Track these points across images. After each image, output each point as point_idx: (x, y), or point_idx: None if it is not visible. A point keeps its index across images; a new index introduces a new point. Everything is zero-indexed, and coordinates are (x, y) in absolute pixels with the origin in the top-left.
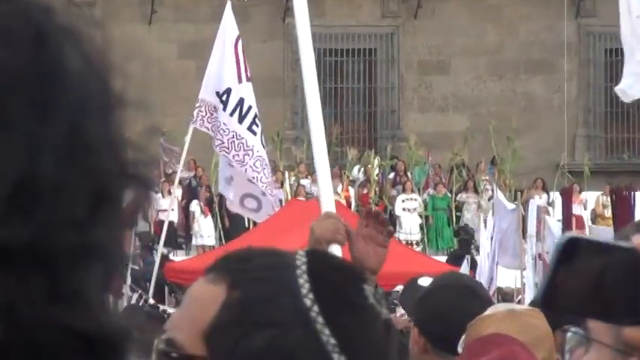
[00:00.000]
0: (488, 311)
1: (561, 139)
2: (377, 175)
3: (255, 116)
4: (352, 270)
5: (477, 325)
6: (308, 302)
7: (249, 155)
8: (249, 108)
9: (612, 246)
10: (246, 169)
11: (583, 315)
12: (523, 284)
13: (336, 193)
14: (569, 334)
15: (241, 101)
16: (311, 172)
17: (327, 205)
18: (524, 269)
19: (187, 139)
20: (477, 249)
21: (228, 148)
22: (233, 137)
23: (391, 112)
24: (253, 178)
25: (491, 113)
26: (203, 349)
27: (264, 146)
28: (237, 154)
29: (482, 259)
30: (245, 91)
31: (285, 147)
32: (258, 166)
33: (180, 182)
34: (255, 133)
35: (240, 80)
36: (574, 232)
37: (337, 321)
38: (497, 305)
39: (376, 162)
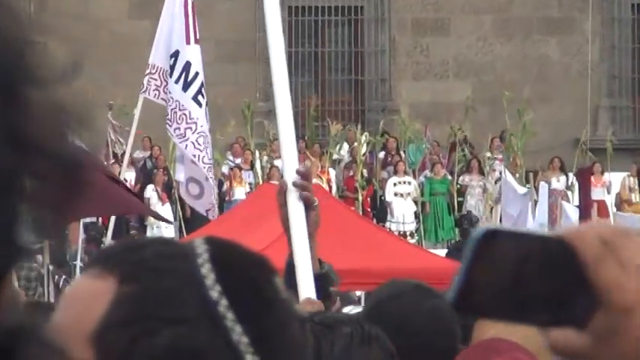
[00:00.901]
0: None
1: (581, 111)
2: (364, 154)
3: (202, 85)
4: (261, 260)
5: (482, 326)
6: (215, 295)
7: (191, 129)
8: (196, 75)
9: (535, 236)
10: (186, 145)
11: (498, 317)
12: None
13: (318, 176)
14: None
15: (187, 66)
16: None
17: (292, 195)
18: None
19: (137, 111)
20: None
21: (170, 120)
22: (176, 107)
23: (381, 81)
24: (195, 156)
25: (498, 81)
26: (90, 354)
27: (208, 121)
28: (179, 127)
29: None
30: (192, 55)
31: (257, 121)
32: (201, 144)
33: (131, 164)
34: (200, 105)
35: (188, 41)
36: (497, 224)
37: (250, 317)
38: None
39: (363, 139)
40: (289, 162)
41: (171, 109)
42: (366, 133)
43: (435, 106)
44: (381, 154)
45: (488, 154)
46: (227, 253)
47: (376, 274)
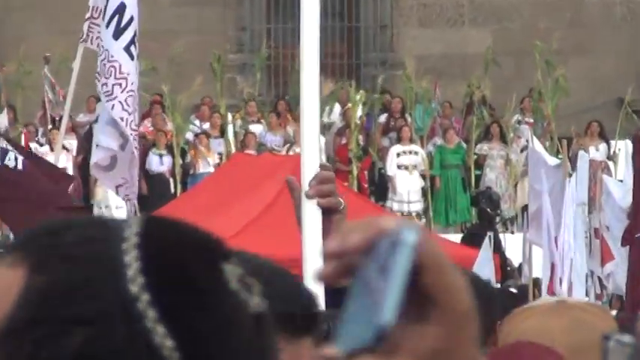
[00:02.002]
0: (533, 302)
1: (625, 65)
2: (361, 117)
3: (135, 34)
4: (207, 242)
5: (513, 320)
6: (135, 289)
7: (120, 86)
8: (131, 20)
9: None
10: (113, 106)
11: None
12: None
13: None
14: (612, 344)
15: (121, 8)
16: (266, 113)
17: (310, 163)
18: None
19: (76, 65)
20: (505, 223)
21: (99, 74)
22: (105, 58)
23: (380, 28)
24: (122, 119)
25: (524, 27)
26: None
27: (137, 78)
28: (106, 83)
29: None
30: None
31: (228, 78)
32: (129, 105)
33: (73, 129)
34: (132, 57)
35: None
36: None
37: (177, 315)
38: (545, 297)
39: (359, 98)
40: (310, 153)
41: (101, 60)
42: (362, 92)
43: (447, 59)
44: (382, 118)
45: (518, 117)
46: (162, 236)
47: None
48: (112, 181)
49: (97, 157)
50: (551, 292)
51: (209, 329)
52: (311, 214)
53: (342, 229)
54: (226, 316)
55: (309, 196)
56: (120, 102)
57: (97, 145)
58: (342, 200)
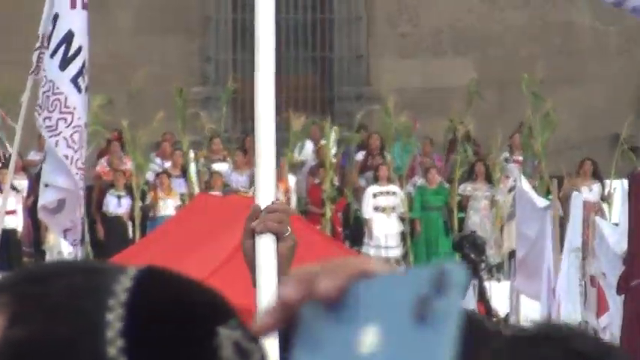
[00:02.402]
0: None
1: (622, 97)
2: (335, 155)
3: (84, 64)
4: (205, 304)
5: None
6: (113, 351)
7: (65, 121)
8: (79, 49)
9: None
10: (57, 142)
11: None
12: None
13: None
14: None
15: (69, 36)
16: (232, 150)
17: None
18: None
19: (25, 98)
20: (490, 270)
21: (40, 106)
22: (49, 89)
23: (356, 58)
24: (66, 157)
25: (509, 57)
26: None
27: (86, 113)
28: (50, 117)
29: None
30: (77, 22)
31: (191, 113)
32: (75, 141)
33: (23, 169)
34: (79, 90)
35: (73, 5)
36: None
37: None
38: None
39: (333, 135)
40: (265, 183)
41: (44, 92)
42: (336, 128)
43: (427, 92)
44: (358, 156)
45: (506, 155)
46: (155, 295)
47: None
48: (59, 226)
49: (45, 198)
50: None
51: None
52: (265, 252)
53: (301, 273)
54: None
55: (257, 231)
56: (65, 138)
57: (45, 185)
58: (288, 228)
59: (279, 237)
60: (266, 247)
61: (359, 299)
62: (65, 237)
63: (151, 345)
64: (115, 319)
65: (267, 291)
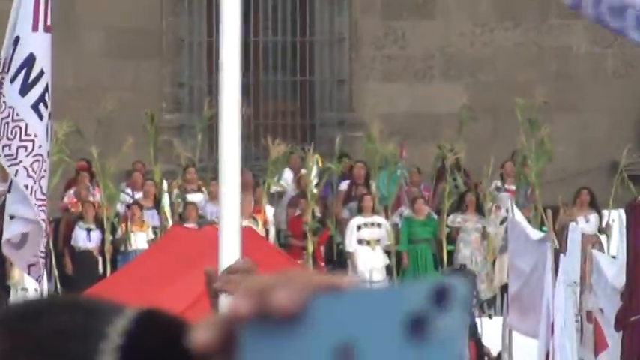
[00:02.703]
0: None
1: (621, 123)
2: (317, 185)
3: (47, 89)
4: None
5: None
6: None
7: (25, 149)
8: (41, 74)
9: None
10: (17, 172)
11: None
12: None
13: (250, 217)
14: None
15: (30, 60)
16: (207, 181)
17: (230, 236)
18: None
19: None
20: (482, 305)
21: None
22: (8, 116)
23: (338, 83)
24: (26, 187)
25: (501, 80)
26: None
27: (49, 141)
28: (9, 145)
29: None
30: (39, 45)
31: (164, 140)
32: (36, 171)
33: None
34: (41, 117)
35: (35, 27)
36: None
37: None
38: None
39: (315, 164)
40: (230, 208)
41: (3, 119)
42: (317, 157)
43: (415, 118)
44: (342, 186)
45: (498, 184)
46: (154, 338)
47: None
48: (23, 260)
49: (11, 231)
50: None
51: None
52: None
53: (253, 284)
54: None
55: (217, 290)
56: (25, 167)
57: (11, 217)
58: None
59: None
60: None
61: (325, 314)
62: (29, 272)
63: None
64: None
65: None
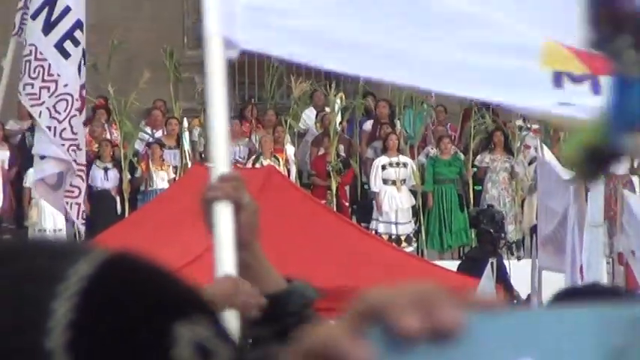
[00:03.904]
0: None
1: None
2: (340, 123)
3: (78, 26)
4: (166, 297)
5: None
6: (51, 344)
7: (48, 90)
8: (66, 10)
9: None
10: (40, 113)
11: None
12: None
13: (272, 156)
14: None
15: None
16: (229, 119)
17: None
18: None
19: (7, 63)
20: (510, 247)
21: (22, 72)
22: (30, 53)
23: None
24: (50, 128)
25: None
26: None
27: (81, 78)
28: (32, 84)
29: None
30: None
31: (185, 77)
32: (60, 111)
33: (4, 139)
34: (66, 55)
35: None
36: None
37: None
38: None
39: (339, 102)
40: (219, 153)
41: (25, 58)
42: (341, 95)
43: None
44: (366, 125)
45: (519, 123)
46: (116, 284)
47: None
48: (59, 202)
49: (43, 172)
50: None
51: None
52: (222, 223)
53: (409, 295)
54: None
55: (209, 199)
56: (47, 108)
57: (41, 157)
58: (246, 195)
59: (238, 206)
60: (223, 217)
61: (490, 334)
62: (67, 214)
63: (96, 341)
64: (61, 308)
65: (225, 263)
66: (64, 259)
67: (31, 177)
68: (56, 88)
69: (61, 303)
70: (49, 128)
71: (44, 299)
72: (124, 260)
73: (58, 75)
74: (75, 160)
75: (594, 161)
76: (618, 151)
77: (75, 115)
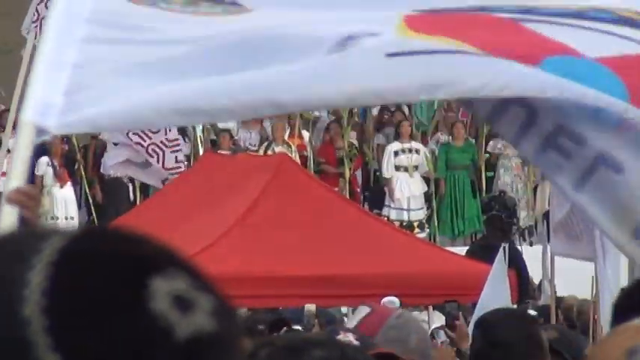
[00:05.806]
0: (621, 326)
1: None
2: (351, 109)
3: None
4: (139, 255)
5: (605, 347)
6: (28, 311)
7: None
8: None
9: None
10: None
11: None
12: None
13: (285, 143)
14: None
15: None
16: None
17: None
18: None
19: (26, 53)
20: (523, 233)
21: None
22: None
23: None
24: None
25: None
26: None
27: None
28: None
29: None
30: None
31: None
32: None
33: (15, 127)
34: None
35: None
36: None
37: (78, 343)
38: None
39: None
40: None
41: None
42: None
43: None
44: (374, 110)
45: None
46: (89, 252)
47: (369, 283)
48: (154, 177)
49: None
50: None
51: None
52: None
53: None
54: (132, 344)
55: (9, 200)
56: None
57: (115, 144)
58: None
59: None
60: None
61: None
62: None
63: (72, 304)
64: (36, 277)
65: None
66: (40, 237)
67: (41, 163)
68: None
69: (35, 273)
70: None
71: (20, 271)
72: (97, 230)
73: None
74: (166, 138)
75: None
76: None
77: None
